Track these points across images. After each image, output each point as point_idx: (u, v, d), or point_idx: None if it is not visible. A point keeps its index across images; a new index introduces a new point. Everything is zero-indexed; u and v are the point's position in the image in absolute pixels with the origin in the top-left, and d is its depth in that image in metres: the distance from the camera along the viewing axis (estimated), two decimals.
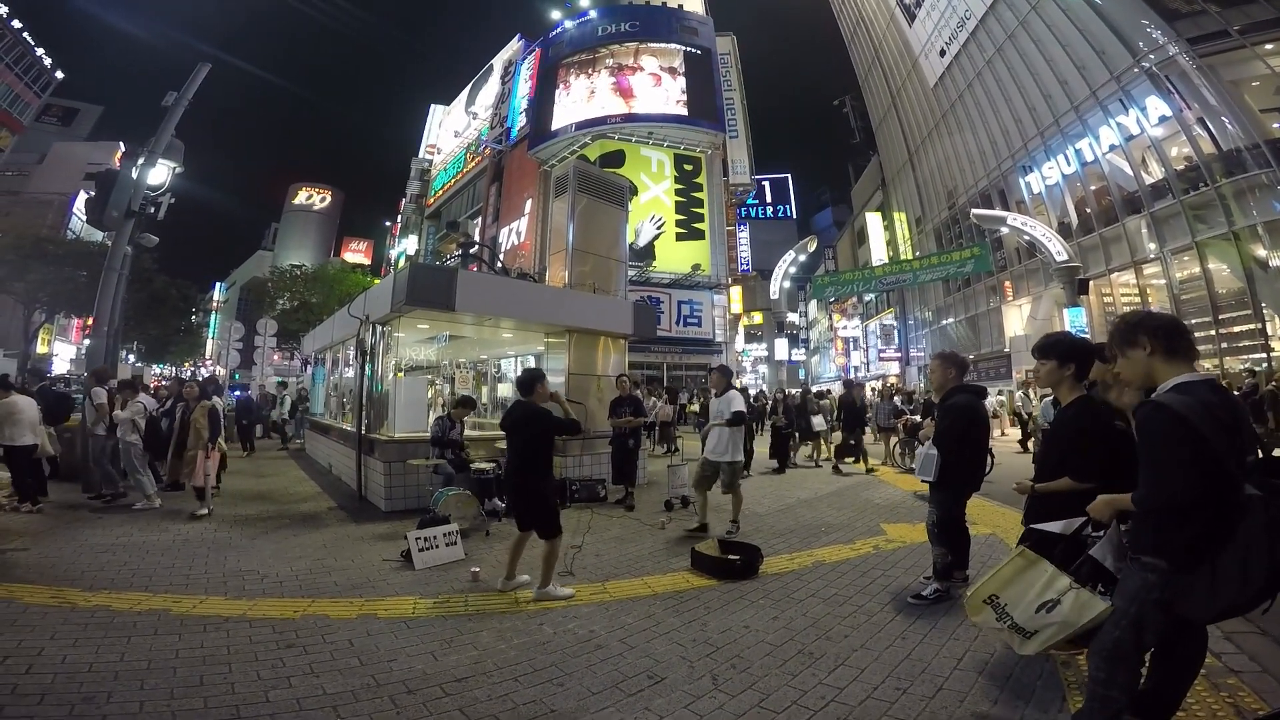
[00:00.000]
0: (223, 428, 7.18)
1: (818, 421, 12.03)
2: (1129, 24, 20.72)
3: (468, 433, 7.86)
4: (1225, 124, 17.99)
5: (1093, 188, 23.42)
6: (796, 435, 12.07)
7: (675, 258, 27.63)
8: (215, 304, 73.66)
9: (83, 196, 32.87)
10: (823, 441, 12.40)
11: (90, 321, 9.62)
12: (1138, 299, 22.02)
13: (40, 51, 51.03)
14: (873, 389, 22.33)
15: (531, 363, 10.60)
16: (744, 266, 37.95)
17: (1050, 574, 2.47)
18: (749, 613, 4.05)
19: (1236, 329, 17.89)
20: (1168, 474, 1.96)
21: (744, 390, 14.94)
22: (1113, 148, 21.90)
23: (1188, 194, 19.05)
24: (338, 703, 2.85)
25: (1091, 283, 22.32)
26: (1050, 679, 3.05)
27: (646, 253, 26.88)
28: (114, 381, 7.95)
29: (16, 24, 47.89)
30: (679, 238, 28.09)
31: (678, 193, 28.59)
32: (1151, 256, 20.73)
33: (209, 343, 58.69)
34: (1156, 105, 19.87)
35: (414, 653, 3.39)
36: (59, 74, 53.65)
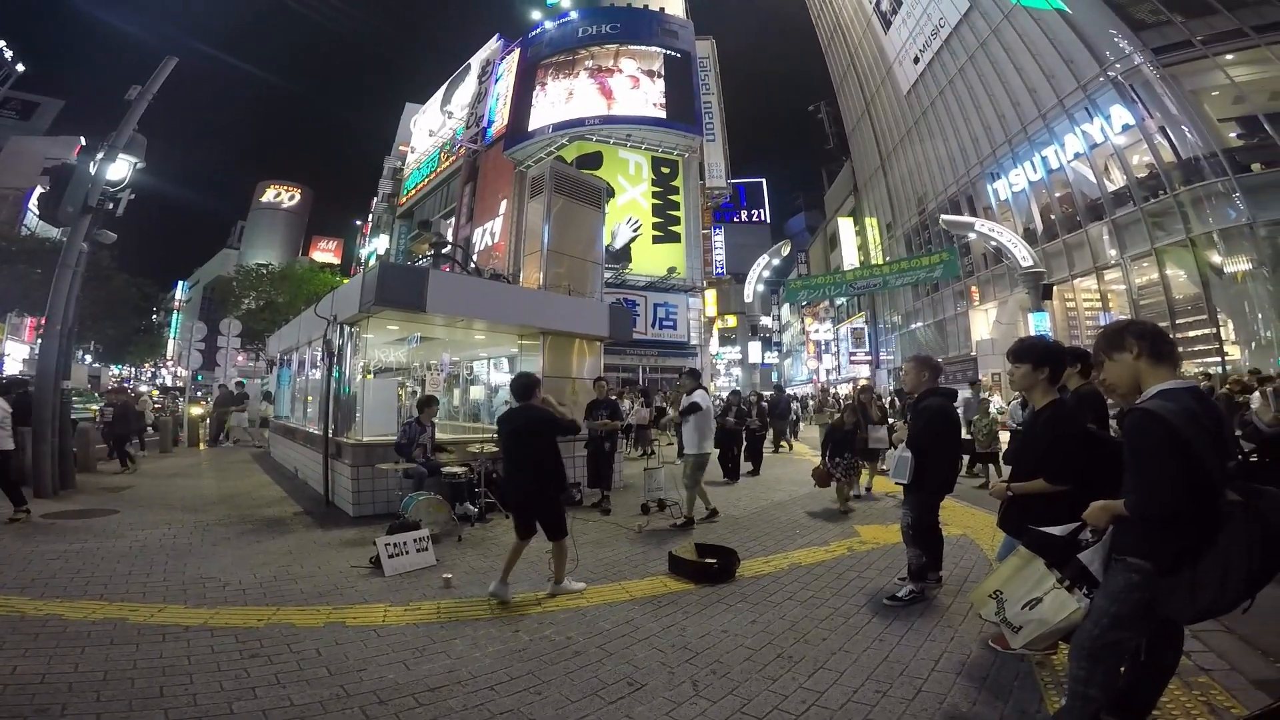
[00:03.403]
0: None
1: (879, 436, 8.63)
2: (1097, 34, 21.15)
3: (441, 435, 7.73)
4: (1185, 132, 18.46)
5: (1057, 194, 23.96)
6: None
7: (651, 260, 27.60)
8: (177, 303, 71.56)
9: (38, 191, 31.71)
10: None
11: (44, 321, 9.23)
12: (1099, 304, 22.64)
13: (1, 43, 49.18)
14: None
15: (505, 365, 10.49)
16: (719, 270, 38.13)
17: (1041, 573, 2.51)
18: (727, 616, 4.02)
19: (1192, 334, 18.43)
20: (1158, 484, 1.98)
21: (735, 394, 14.52)
22: (1077, 155, 22.43)
23: (1148, 201, 19.57)
24: (306, 714, 2.75)
25: (1055, 288, 22.87)
26: (1027, 679, 3.08)
27: (623, 255, 26.81)
28: None
29: None
30: (655, 240, 28.07)
31: (655, 195, 28.57)
32: (1112, 262, 21.27)
33: (170, 343, 57.04)
34: (1120, 114, 20.37)
35: (385, 662, 3.29)
36: (20, 67, 51.83)
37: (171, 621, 3.80)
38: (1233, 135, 18.48)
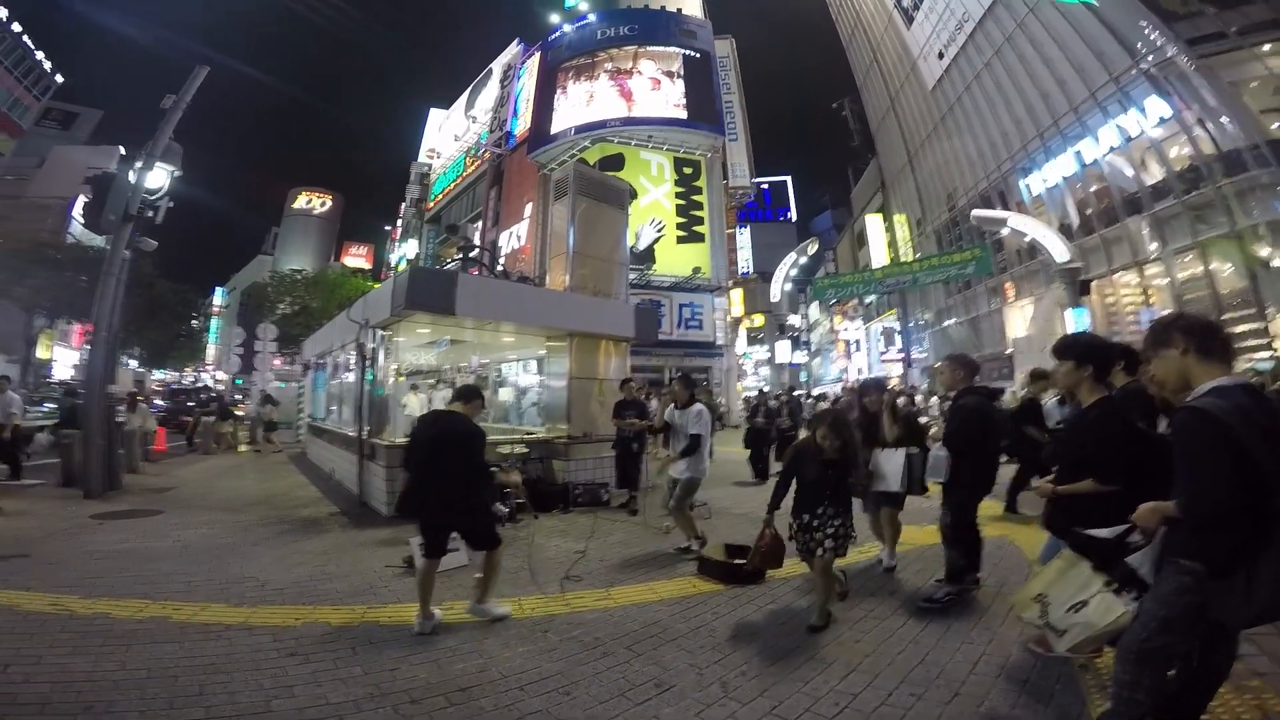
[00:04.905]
0: None
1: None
2: (1126, 25, 20.71)
3: None
4: (1225, 125, 17.97)
5: (1093, 189, 23.38)
6: None
7: (676, 261, 27.56)
8: (216, 309, 73.55)
9: (81, 200, 32.87)
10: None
11: (90, 327, 9.58)
12: (1141, 299, 21.99)
13: (40, 55, 51.25)
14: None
15: (534, 367, 10.56)
16: (744, 269, 38.05)
17: (1087, 576, 2.45)
18: (757, 618, 3.99)
19: (1240, 329, 17.78)
20: (1210, 483, 1.92)
21: (761, 394, 13.84)
22: (1113, 149, 21.86)
23: (1189, 194, 19.01)
24: (342, 713, 2.80)
25: (1094, 283, 22.25)
26: (1069, 681, 3.00)
27: (647, 256, 26.80)
28: None
29: (16, 27, 48.04)
30: (679, 241, 28.03)
31: (678, 196, 28.52)
32: (1154, 256, 20.69)
33: (210, 348, 58.69)
34: (1156, 106, 19.84)
35: (417, 661, 3.33)
36: (59, 78, 53.91)
37: (213, 620, 3.89)
38: (1275, 127, 17.84)
